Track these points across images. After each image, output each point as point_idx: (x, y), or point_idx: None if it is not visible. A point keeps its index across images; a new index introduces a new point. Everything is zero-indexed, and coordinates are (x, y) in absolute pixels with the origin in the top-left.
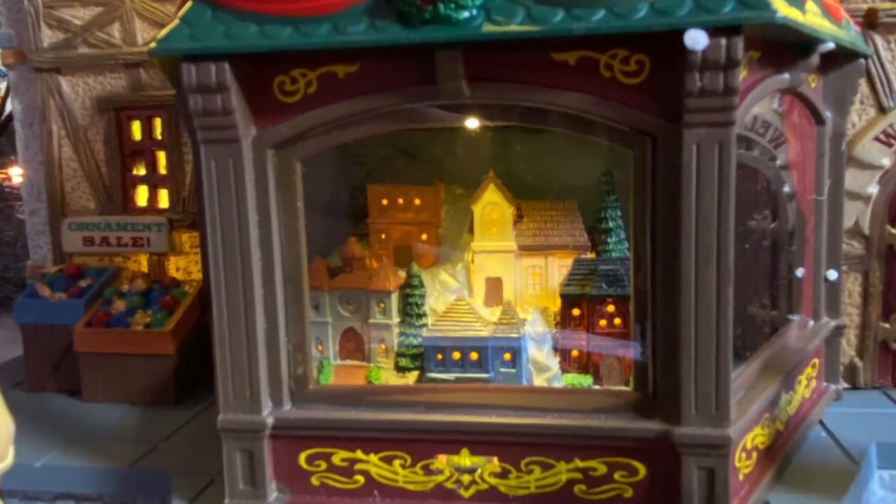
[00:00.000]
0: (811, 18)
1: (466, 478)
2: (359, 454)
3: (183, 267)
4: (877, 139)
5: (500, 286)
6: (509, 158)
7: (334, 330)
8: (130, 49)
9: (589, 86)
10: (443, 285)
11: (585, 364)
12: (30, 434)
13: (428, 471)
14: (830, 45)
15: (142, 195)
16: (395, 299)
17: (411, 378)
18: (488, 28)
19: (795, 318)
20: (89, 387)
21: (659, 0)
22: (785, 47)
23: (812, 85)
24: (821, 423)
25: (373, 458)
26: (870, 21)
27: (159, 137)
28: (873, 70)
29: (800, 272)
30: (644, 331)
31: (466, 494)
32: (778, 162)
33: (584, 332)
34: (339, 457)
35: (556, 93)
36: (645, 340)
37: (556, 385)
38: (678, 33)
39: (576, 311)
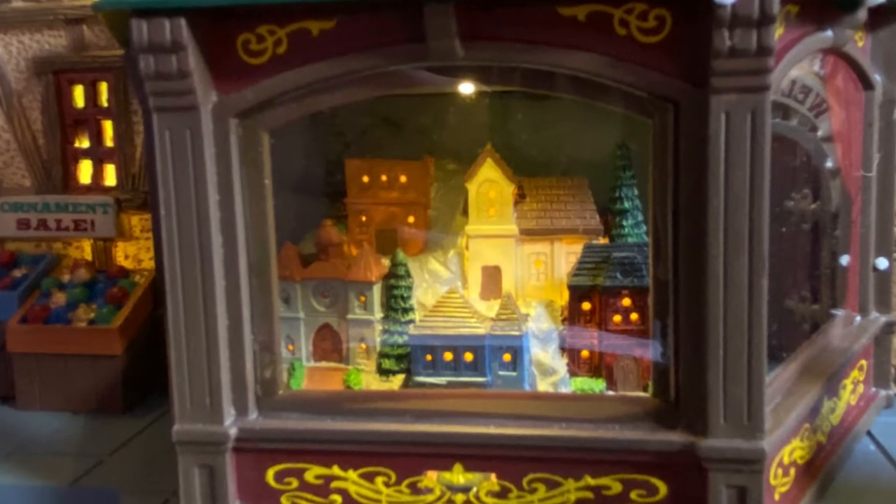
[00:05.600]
0: None
1: (460, 497)
2: (335, 470)
3: (132, 254)
4: None
5: (498, 276)
6: (509, 129)
7: (307, 327)
8: (72, 2)
9: (601, 45)
10: (433, 275)
11: (597, 366)
12: None
13: (415, 489)
14: None
15: (85, 171)
16: (377, 291)
17: (396, 382)
18: None
19: (839, 313)
20: (24, 392)
21: None
22: (827, 1)
23: (859, 44)
24: (869, 434)
25: (352, 474)
26: None
27: (105, 105)
28: None
29: (844, 260)
30: (665, 328)
31: None
32: (819, 133)
33: (596, 329)
34: (312, 473)
35: (563, 53)
36: (666, 339)
37: (564, 390)
38: None
39: (586, 305)
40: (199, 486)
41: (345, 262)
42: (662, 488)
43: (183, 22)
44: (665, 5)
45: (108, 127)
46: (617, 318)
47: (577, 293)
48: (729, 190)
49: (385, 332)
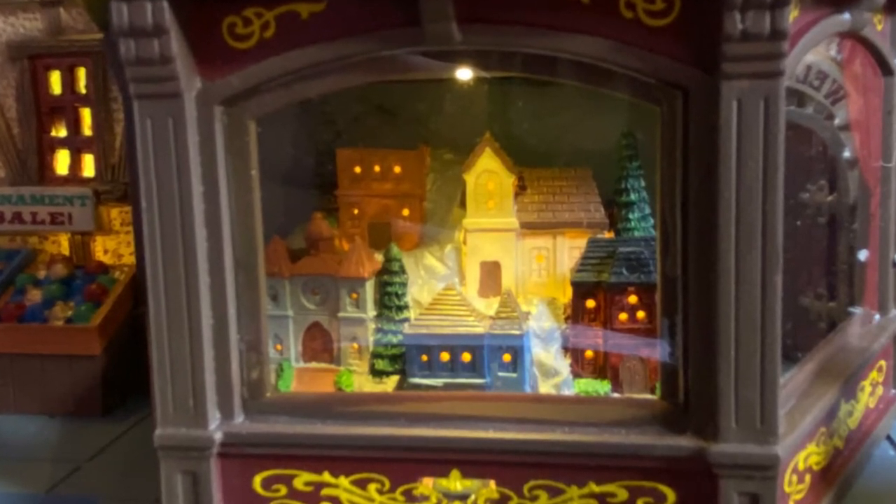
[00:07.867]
0: None
1: None
2: (326, 477)
3: (112, 249)
4: None
5: (497, 272)
6: (509, 117)
7: (296, 325)
8: None
9: (607, 28)
10: (428, 271)
11: (602, 367)
12: None
13: (410, 497)
14: None
15: (62, 161)
16: (370, 288)
17: (390, 384)
18: None
19: (857, 311)
20: None
21: None
22: None
23: (878, 27)
24: (888, 438)
25: (343, 481)
26: None
27: (83, 91)
28: None
29: (863, 255)
30: (673, 326)
31: None
32: (836, 121)
33: (601, 328)
34: (302, 480)
35: (566, 37)
36: (674, 338)
37: (567, 393)
38: None
39: (590, 303)
40: (183, 493)
41: (336, 257)
42: (671, 496)
43: (165, 4)
44: None
45: (86, 115)
46: (623, 316)
47: (581, 290)
48: (741, 181)
49: (378, 331)
